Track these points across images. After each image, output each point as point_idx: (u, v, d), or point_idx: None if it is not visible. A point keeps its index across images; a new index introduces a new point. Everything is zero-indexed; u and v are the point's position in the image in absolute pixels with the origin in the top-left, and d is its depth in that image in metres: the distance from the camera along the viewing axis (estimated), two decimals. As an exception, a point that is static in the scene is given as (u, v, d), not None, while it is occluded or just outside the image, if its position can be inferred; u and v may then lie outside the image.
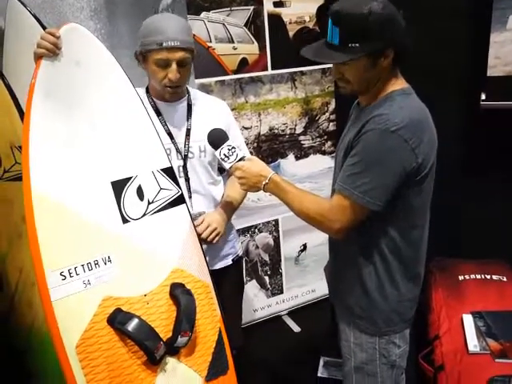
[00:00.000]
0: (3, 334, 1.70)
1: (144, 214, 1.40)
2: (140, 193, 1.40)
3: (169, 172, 1.47)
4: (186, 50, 1.48)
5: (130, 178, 1.39)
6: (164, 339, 1.32)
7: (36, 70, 1.28)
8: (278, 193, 1.37)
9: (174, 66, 1.47)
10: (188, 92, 1.64)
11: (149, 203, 1.41)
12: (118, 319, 1.27)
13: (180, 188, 1.48)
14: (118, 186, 1.37)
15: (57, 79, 1.30)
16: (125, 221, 1.36)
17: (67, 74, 1.32)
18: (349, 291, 1.42)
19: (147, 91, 1.61)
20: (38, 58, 1.28)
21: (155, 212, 1.42)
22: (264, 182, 1.37)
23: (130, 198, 1.38)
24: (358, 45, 1.19)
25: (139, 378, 1.30)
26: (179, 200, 1.48)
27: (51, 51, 1.27)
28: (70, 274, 1.24)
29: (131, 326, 1.27)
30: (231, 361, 1.49)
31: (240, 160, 1.42)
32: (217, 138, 1.45)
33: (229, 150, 1.42)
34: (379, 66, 1.24)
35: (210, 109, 1.67)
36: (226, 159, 1.42)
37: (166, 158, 1.48)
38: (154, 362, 1.31)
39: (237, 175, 1.41)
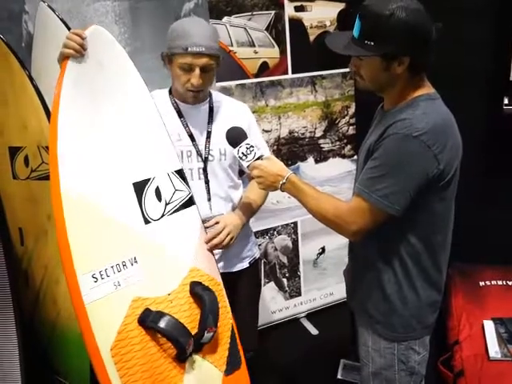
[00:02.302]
0: (28, 329, 1.74)
1: (163, 215, 1.41)
2: (158, 194, 1.42)
3: (181, 174, 1.49)
4: (210, 57, 1.48)
5: (149, 179, 1.41)
6: (190, 336, 1.33)
7: (63, 70, 1.28)
8: (295, 193, 1.37)
9: (197, 71, 1.47)
10: (210, 94, 1.64)
11: (166, 204, 1.43)
12: (150, 318, 1.27)
13: (190, 189, 1.50)
14: (139, 187, 1.38)
15: (83, 80, 1.31)
16: (146, 221, 1.37)
17: (92, 75, 1.33)
18: (367, 296, 1.41)
19: (170, 93, 1.62)
20: (64, 58, 1.29)
21: (172, 213, 1.44)
22: (281, 182, 1.36)
23: (149, 199, 1.40)
24: (372, 43, 1.19)
25: (169, 376, 1.30)
26: (190, 201, 1.49)
27: (78, 52, 1.28)
28: (101, 276, 1.23)
29: (164, 323, 1.27)
30: (243, 356, 1.51)
31: (258, 159, 1.41)
32: (236, 136, 1.44)
33: (247, 148, 1.41)
34: (393, 70, 1.22)
35: (231, 112, 1.66)
36: (244, 157, 1.42)
37: (177, 161, 1.50)
38: (183, 359, 1.32)
39: (254, 174, 1.41)
